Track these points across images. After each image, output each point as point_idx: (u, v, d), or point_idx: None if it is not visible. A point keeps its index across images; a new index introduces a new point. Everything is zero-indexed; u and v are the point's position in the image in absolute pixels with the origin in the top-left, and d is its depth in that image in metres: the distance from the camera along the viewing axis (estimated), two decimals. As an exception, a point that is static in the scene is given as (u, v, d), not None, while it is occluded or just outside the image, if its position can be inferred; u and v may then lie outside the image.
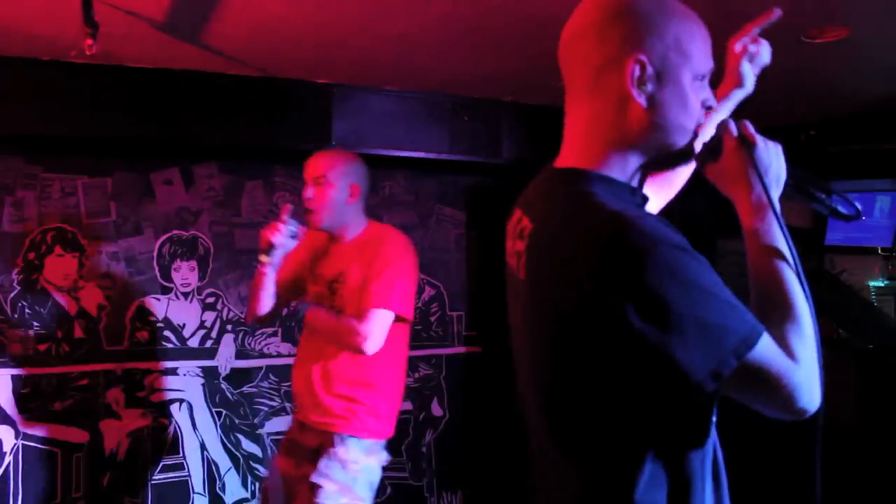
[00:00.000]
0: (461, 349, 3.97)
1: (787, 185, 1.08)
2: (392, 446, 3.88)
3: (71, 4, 2.06)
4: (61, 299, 3.23)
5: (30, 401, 3.15)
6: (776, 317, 0.98)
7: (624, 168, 1.05)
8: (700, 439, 1.00)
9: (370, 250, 2.36)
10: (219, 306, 3.48)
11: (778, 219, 1.03)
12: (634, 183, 1.07)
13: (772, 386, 0.93)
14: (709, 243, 3.79)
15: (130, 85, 2.93)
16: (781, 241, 1.03)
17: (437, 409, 3.90)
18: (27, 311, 3.17)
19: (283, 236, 2.35)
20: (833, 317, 3.73)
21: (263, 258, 2.35)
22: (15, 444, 3.11)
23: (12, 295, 3.15)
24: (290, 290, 2.56)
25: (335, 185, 2.35)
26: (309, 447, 2.41)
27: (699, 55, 1.04)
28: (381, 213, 3.80)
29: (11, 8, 2.27)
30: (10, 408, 3.12)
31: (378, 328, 2.28)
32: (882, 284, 3.86)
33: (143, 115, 2.96)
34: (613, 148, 1.05)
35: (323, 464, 2.31)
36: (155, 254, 3.37)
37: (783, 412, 0.95)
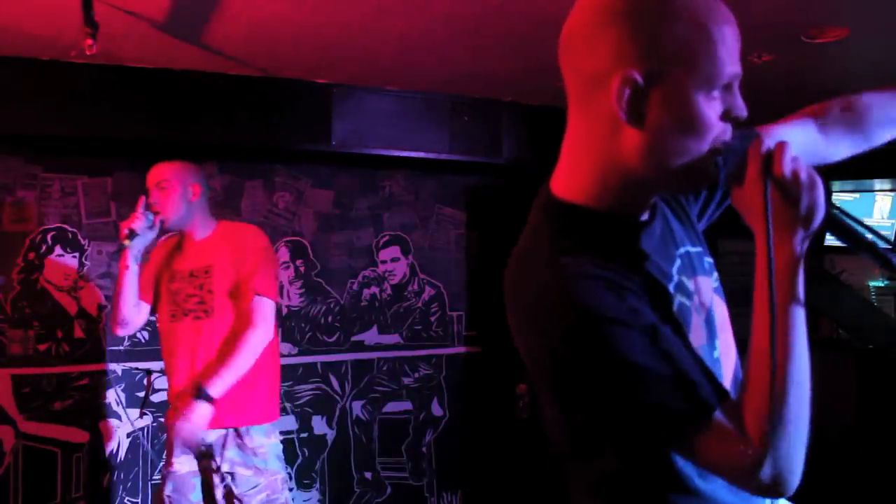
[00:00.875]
0: (461, 349, 3.97)
1: (828, 228, 0.88)
2: (392, 446, 3.92)
3: (71, 4, 2.06)
4: (61, 299, 3.23)
5: (30, 401, 3.14)
6: (754, 398, 0.84)
7: (612, 196, 0.92)
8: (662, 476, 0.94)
9: (236, 244, 2.53)
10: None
11: (791, 273, 0.84)
12: (629, 209, 0.95)
13: (718, 467, 0.85)
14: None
15: (130, 85, 2.93)
16: (785, 305, 0.84)
17: (437, 409, 3.90)
18: (27, 310, 3.17)
19: (143, 224, 2.48)
20: (833, 317, 3.73)
21: (126, 242, 2.47)
22: (15, 444, 3.11)
23: (12, 295, 3.15)
24: (150, 292, 2.66)
25: (177, 187, 2.53)
26: (204, 442, 2.50)
27: (715, 61, 0.84)
28: (381, 213, 3.80)
29: (11, 8, 2.27)
30: (11, 408, 3.12)
31: (269, 315, 2.50)
32: (882, 284, 3.86)
33: (144, 114, 2.96)
34: (603, 175, 0.91)
35: (232, 455, 2.49)
36: (155, 254, 3.37)
37: (746, 491, 0.87)
